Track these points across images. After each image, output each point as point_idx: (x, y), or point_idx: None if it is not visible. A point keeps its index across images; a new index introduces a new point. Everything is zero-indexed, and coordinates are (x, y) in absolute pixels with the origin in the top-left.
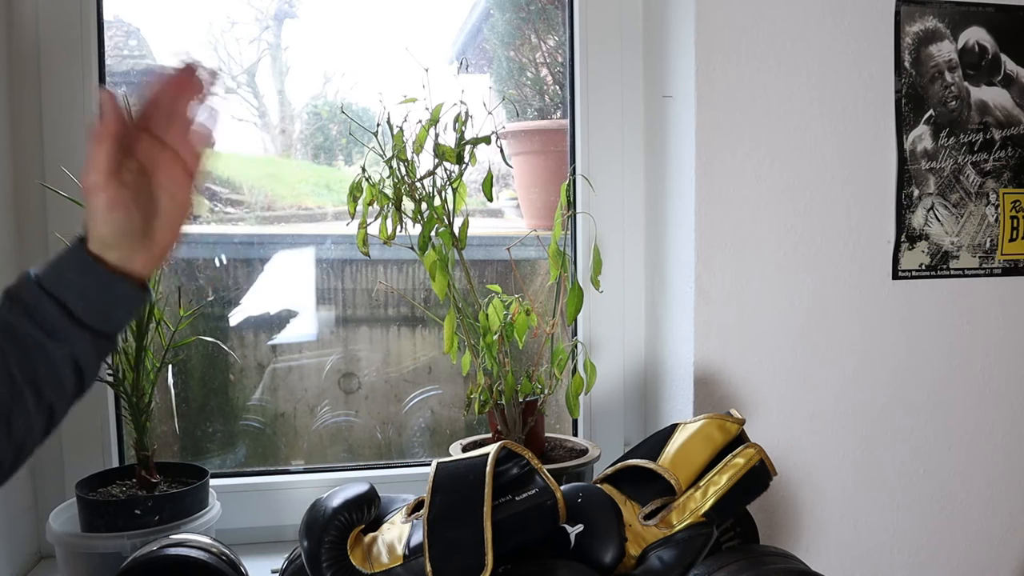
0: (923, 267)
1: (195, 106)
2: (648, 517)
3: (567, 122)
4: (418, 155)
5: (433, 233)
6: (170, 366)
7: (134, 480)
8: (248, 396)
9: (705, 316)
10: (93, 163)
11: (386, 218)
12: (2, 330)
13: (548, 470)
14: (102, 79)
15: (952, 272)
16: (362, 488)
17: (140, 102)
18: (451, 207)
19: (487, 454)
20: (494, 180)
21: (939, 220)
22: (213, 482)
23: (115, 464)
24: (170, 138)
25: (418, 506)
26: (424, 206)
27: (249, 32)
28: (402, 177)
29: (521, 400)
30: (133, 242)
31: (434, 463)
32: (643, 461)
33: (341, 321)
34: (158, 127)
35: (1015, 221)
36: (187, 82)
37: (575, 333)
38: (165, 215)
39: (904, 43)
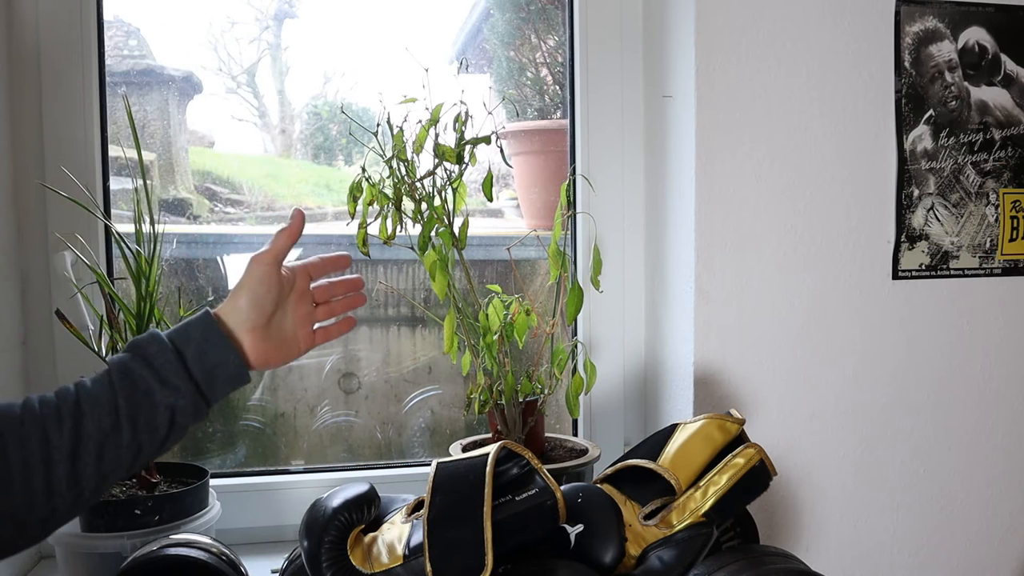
0: (923, 267)
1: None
2: (648, 517)
3: (567, 122)
4: (418, 155)
5: (433, 233)
6: None
7: (134, 480)
8: (248, 396)
9: (705, 316)
10: (273, 246)
11: (386, 218)
12: (120, 371)
13: (548, 470)
14: (102, 79)
15: (952, 272)
16: (362, 488)
17: (322, 260)
18: (451, 207)
19: (487, 454)
20: (494, 180)
21: (939, 220)
22: (213, 482)
23: None
24: (316, 296)
25: (418, 506)
26: (424, 206)
27: (249, 32)
28: (402, 177)
29: (521, 400)
30: (254, 318)
31: (434, 463)
32: (643, 461)
33: None
34: (316, 275)
35: (1015, 221)
36: (341, 267)
37: (575, 333)
38: (282, 330)
39: (904, 43)
